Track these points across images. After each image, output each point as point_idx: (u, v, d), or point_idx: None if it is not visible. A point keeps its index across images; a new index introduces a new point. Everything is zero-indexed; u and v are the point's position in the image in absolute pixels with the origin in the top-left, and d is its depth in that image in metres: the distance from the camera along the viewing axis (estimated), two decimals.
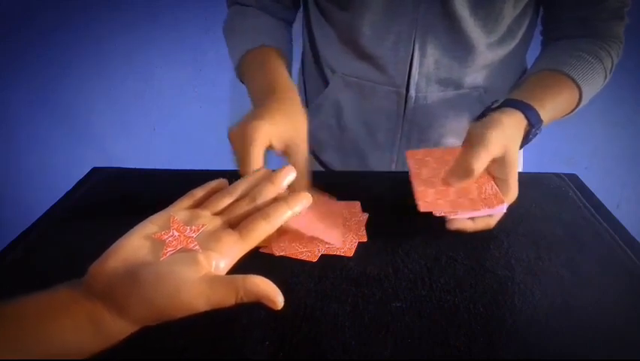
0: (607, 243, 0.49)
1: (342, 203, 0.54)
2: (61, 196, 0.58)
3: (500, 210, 0.46)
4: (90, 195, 0.58)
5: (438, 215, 0.45)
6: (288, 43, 0.69)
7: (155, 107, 1.51)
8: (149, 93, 1.48)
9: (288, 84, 0.56)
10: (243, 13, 0.69)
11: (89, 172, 0.64)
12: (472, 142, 0.48)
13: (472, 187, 0.48)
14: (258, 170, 0.42)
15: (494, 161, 0.48)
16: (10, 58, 1.40)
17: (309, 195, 0.38)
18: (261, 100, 0.53)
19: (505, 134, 0.48)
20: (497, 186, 0.48)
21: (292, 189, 0.47)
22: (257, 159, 0.45)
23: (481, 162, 0.46)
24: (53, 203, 0.56)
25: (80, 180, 0.62)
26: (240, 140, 0.46)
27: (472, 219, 0.47)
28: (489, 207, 0.45)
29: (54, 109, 1.50)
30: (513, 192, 0.48)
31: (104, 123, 1.53)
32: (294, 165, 0.47)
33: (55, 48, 1.39)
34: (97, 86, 1.46)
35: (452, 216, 0.46)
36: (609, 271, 0.45)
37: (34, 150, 1.56)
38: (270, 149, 0.49)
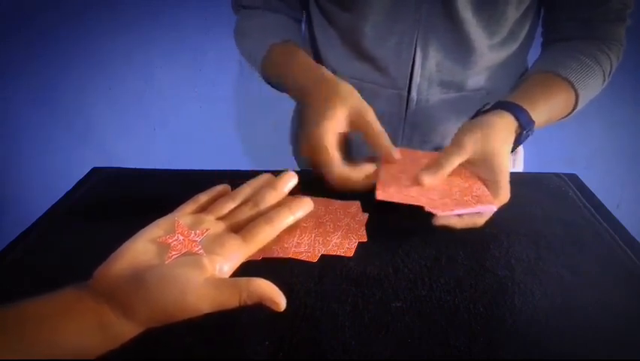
0: (607, 243, 0.49)
1: (341, 203, 0.54)
2: (61, 196, 0.58)
3: (489, 209, 0.46)
4: (90, 195, 0.58)
5: (428, 210, 0.46)
6: (300, 39, 0.70)
7: (155, 107, 1.51)
8: (149, 93, 1.48)
9: (319, 69, 0.56)
10: (252, 16, 0.70)
11: (89, 172, 0.64)
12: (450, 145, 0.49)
13: (465, 187, 0.48)
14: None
15: (483, 163, 0.48)
16: (10, 58, 1.40)
17: (310, 201, 0.39)
18: (306, 97, 0.54)
19: (489, 136, 0.48)
20: (489, 187, 0.48)
21: (379, 149, 0.51)
22: (336, 162, 0.48)
23: (449, 163, 0.48)
24: (53, 203, 0.56)
25: (80, 180, 0.62)
26: (313, 152, 0.48)
27: (458, 216, 0.46)
28: (480, 204, 0.46)
29: (54, 109, 1.50)
30: (505, 193, 0.48)
31: (104, 123, 1.53)
32: (372, 132, 0.50)
33: (55, 48, 1.39)
34: (97, 86, 1.46)
35: (440, 213, 0.46)
36: (609, 271, 0.45)
37: (34, 150, 1.56)
38: (344, 138, 0.51)
